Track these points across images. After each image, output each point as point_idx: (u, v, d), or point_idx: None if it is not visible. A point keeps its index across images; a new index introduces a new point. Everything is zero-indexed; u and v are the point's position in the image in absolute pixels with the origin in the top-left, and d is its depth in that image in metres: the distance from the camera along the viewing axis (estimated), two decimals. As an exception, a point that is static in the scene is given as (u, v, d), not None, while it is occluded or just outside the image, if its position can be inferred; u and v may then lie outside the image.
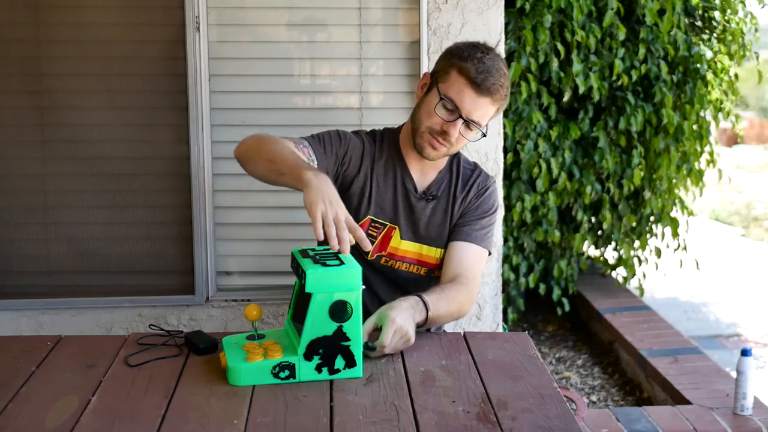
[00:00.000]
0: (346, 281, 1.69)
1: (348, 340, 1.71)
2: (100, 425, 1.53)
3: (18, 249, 3.12)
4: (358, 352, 1.72)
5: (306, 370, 1.71)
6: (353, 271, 1.70)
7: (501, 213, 3.15)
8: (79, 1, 3.03)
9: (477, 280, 2.17)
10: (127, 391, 1.67)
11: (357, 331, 1.72)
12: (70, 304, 3.08)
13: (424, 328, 2.01)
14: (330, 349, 1.71)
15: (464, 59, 2.04)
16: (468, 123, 2.05)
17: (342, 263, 1.72)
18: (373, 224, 2.16)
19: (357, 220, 2.12)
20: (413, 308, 1.90)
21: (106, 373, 1.76)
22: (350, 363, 1.72)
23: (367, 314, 1.83)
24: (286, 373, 1.70)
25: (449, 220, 2.19)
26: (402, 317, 1.84)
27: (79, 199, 3.10)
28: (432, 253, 2.19)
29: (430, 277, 2.21)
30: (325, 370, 1.71)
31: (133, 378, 1.73)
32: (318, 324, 1.68)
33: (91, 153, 3.08)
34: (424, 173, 2.20)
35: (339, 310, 1.69)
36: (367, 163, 2.17)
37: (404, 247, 2.18)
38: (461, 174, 2.22)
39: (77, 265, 3.13)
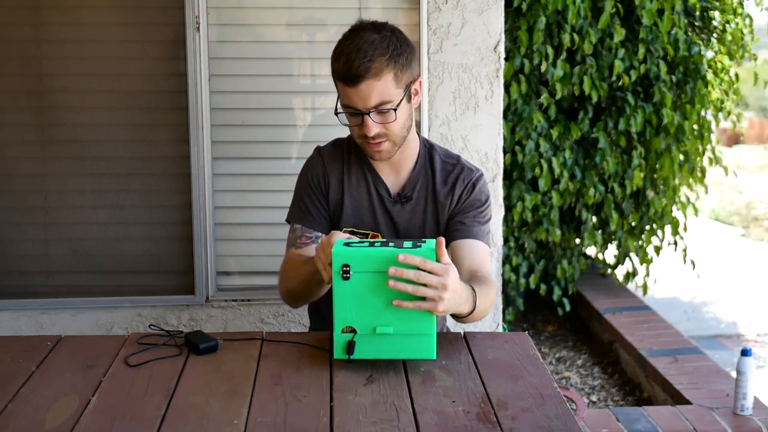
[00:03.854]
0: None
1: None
2: (100, 425, 1.53)
3: (18, 249, 3.12)
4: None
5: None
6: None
7: (501, 213, 3.14)
8: (79, 1, 3.03)
9: (493, 277, 2.10)
10: (127, 391, 1.67)
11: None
12: (70, 304, 3.08)
13: (455, 323, 1.94)
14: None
15: (333, 62, 1.98)
16: (376, 112, 1.95)
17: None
18: (355, 235, 2.09)
19: None
20: (466, 291, 1.78)
21: (106, 373, 1.76)
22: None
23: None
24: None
25: (433, 220, 2.11)
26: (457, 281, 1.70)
27: (79, 199, 3.10)
28: None
29: None
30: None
31: (133, 378, 1.73)
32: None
33: (91, 153, 3.09)
34: (397, 173, 2.11)
35: None
36: (335, 180, 2.11)
37: None
38: (440, 170, 2.11)
39: (77, 265, 3.13)
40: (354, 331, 1.71)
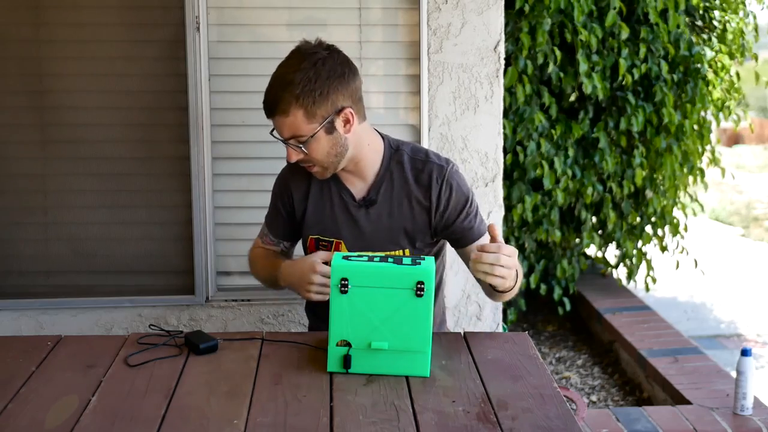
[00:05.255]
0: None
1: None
2: (100, 425, 1.53)
3: (18, 249, 3.12)
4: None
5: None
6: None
7: (501, 213, 3.14)
8: (79, 1, 3.03)
9: None
10: (127, 391, 1.67)
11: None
12: (70, 304, 3.08)
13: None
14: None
15: None
16: (293, 141, 2.02)
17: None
18: (321, 243, 2.16)
19: (305, 240, 2.21)
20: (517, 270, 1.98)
21: (106, 373, 1.76)
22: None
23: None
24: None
25: (410, 219, 2.11)
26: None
27: (79, 199, 3.10)
28: None
29: None
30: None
31: (133, 378, 1.73)
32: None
33: (91, 153, 3.08)
34: (362, 179, 2.14)
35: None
36: (298, 193, 2.18)
37: None
38: (410, 169, 2.12)
39: (77, 265, 3.12)
40: (349, 344, 1.72)
